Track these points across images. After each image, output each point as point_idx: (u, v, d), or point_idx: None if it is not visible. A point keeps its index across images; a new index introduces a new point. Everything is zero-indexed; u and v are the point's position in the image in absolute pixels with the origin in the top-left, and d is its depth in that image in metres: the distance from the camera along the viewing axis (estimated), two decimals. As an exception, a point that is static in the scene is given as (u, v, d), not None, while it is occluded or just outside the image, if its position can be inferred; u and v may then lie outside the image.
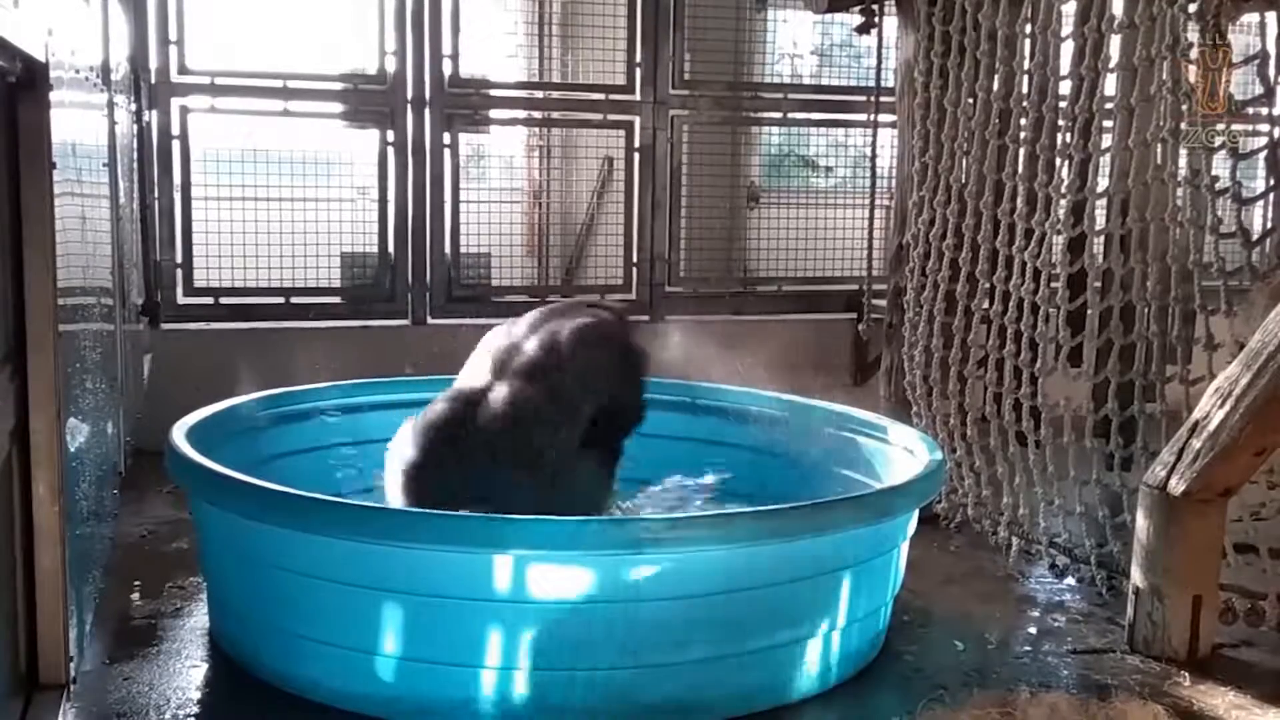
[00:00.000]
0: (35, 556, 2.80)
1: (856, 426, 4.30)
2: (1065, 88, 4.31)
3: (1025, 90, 4.51)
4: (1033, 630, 3.83)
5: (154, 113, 5.78)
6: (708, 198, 6.71)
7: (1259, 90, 3.49)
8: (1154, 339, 3.93)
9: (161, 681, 3.23)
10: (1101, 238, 4.29)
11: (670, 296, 6.61)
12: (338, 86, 6.13)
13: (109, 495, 4.17)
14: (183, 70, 5.81)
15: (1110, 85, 4.16)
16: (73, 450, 3.01)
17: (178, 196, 5.88)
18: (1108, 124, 4.22)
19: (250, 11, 6.07)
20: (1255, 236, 3.62)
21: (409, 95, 6.08)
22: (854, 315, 6.38)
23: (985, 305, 4.67)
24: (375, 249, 6.16)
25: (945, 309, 4.86)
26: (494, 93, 6.39)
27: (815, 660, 3.24)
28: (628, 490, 4.06)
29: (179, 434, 3.58)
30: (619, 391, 3.84)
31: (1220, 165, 3.66)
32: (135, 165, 5.47)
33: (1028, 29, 4.49)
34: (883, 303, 5.52)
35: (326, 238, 6.10)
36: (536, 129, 6.81)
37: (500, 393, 3.56)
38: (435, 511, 3.36)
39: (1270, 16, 4.12)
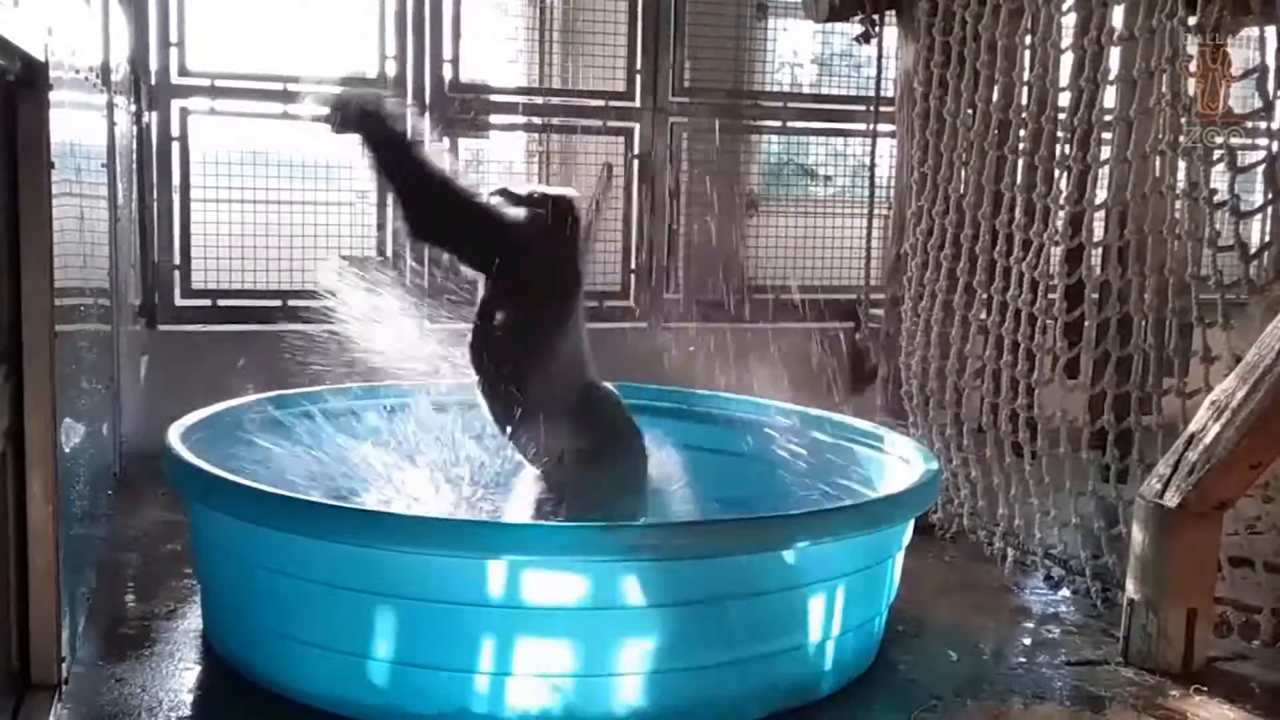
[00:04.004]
0: (29, 556, 2.80)
1: (853, 435, 4.30)
2: (1064, 99, 4.32)
3: (1024, 101, 4.52)
4: (1027, 641, 3.83)
5: (154, 114, 5.78)
6: (707, 205, 6.71)
7: (1258, 103, 3.50)
8: (1151, 351, 3.93)
9: (154, 683, 3.22)
10: (1099, 249, 4.30)
11: (668, 304, 6.61)
12: (338, 90, 6.12)
13: (103, 496, 4.17)
14: (183, 72, 5.81)
15: (1109, 97, 4.17)
16: (67, 451, 3.00)
17: (176, 198, 5.88)
18: (1107, 136, 4.23)
19: (251, 14, 6.06)
20: (1253, 250, 3.63)
21: (409, 100, 6.08)
22: (852, 324, 6.38)
23: (983, 316, 4.67)
24: (374, 253, 6.15)
25: (943, 319, 4.86)
26: (494, 98, 6.39)
27: (809, 669, 3.23)
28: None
29: (175, 436, 3.58)
30: None
31: (1219, 178, 3.66)
32: (134, 166, 5.46)
33: (1027, 40, 4.50)
34: (880, 312, 5.52)
35: (325, 241, 6.09)
36: (536, 135, 6.81)
37: None
38: (428, 516, 3.36)
39: (1270, 30, 4.13)
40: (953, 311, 4.80)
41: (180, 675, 3.31)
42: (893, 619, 3.68)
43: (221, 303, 5.98)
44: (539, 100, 6.61)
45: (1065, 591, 4.23)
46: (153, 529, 4.55)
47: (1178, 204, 3.82)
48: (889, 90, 5.62)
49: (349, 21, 6.17)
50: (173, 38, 5.78)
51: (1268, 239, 4.05)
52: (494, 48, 6.60)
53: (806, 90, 7.17)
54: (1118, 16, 4.08)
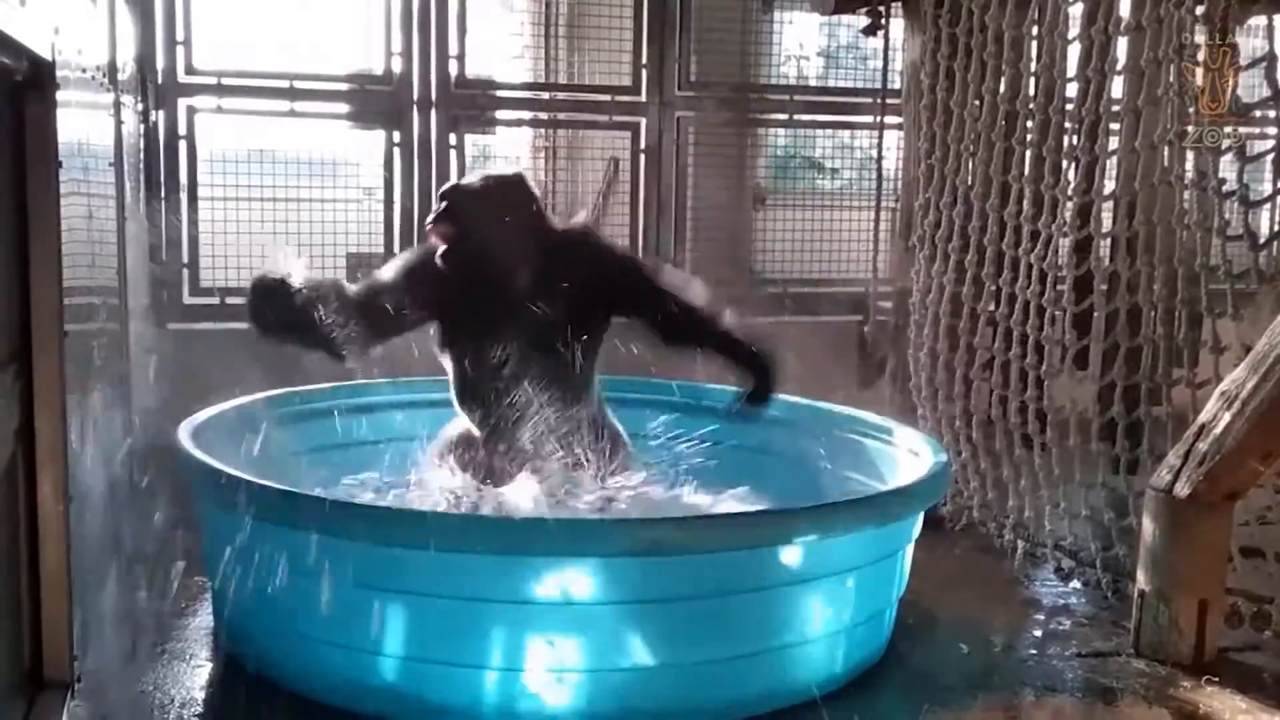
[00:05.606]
0: (40, 556, 2.80)
1: (862, 428, 4.30)
2: (1072, 90, 4.31)
3: (1032, 92, 4.51)
4: (1038, 633, 3.82)
5: (161, 112, 5.79)
6: (714, 199, 6.71)
7: (1266, 93, 3.48)
8: (1160, 342, 3.93)
9: (166, 681, 3.24)
10: (1108, 240, 4.28)
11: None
12: (344, 87, 6.13)
13: (114, 495, 4.17)
14: (190, 70, 5.82)
15: (1117, 88, 4.15)
16: (78, 450, 3.01)
17: (184, 196, 5.88)
18: (1114, 126, 4.22)
19: (257, 12, 6.07)
20: (1262, 239, 3.62)
21: (415, 96, 6.09)
22: (860, 317, 6.37)
23: (991, 307, 4.66)
24: (381, 250, 6.16)
25: (951, 311, 4.86)
26: (500, 94, 6.39)
27: (820, 663, 3.23)
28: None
29: (185, 433, 3.58)
30: None
31: (1227, 168, 3.65)
32: (142, 165, 5.47)
33: (1034, 31, 4.49)
34: (888, 305, 5.51)
35: (332, 238, 6.10)
36: (542, 130, 6.81)
37: None
38: (441, 513, 3.37)
39: (1278, 19, 4.11)
40: (961, 304, 4.80)
41: (192, 673, 3.32)
42: (903, 612, 3.68)
43: (230, 300, 5.99)
44: (545, 95, 6.61)
45: (1076, 583, 4.23)
46: (163, 527, 4.56)
47: (1186, 194, 3.81)
48: (895, 82, 5.61)
49: (355, 18, 6.17)
50: (179, 36, 5.78)
51: (1277, 228, 4.05)
52: (499, 43, 6.60)
53: (813, 83, 7.16)
54: (1125, 7, 4.06)
